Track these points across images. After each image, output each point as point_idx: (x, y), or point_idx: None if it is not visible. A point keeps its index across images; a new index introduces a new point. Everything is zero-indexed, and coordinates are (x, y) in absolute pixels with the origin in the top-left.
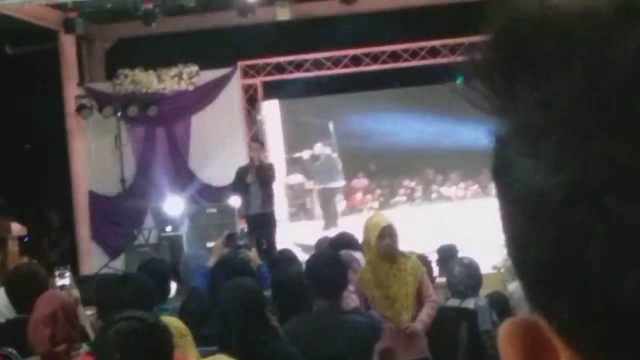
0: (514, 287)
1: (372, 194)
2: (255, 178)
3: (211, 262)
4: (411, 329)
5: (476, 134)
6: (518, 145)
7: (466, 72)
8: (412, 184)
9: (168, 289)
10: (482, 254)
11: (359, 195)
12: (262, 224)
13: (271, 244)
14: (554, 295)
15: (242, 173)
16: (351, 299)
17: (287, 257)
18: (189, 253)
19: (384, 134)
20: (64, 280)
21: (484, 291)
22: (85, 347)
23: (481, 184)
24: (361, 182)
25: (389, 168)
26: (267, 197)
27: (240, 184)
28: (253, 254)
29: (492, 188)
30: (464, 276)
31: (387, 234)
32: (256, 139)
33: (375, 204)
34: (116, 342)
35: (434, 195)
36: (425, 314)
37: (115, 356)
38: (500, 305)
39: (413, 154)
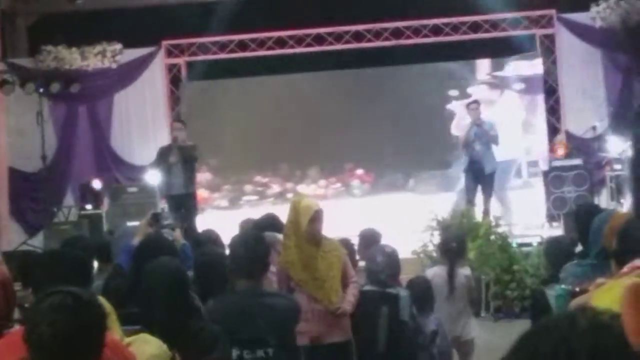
0: (432, 273)
1: (220, 191)
2: (177, 158)
3: (135, 241)
4: (342, 310)
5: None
6: None
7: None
8: (265, 180)
9: (91, 267)
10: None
11: (204, 193)
12: (183, 205)
13: (191, 225)
14: None
15: (164, 152)
16: (273, 281)
17: (210, 237)
18: (118, 231)
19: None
20: None
21: (404, 277)
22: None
23: (344, 181)
24: (204, 176)
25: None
26: (189, 178)
27: (162, 163)
28: (177, 234)
29: (356, 187)
30: (385, 265)
31: (318, 217)
32: (179, 119)
33: (224, 202)
34: (47, 315)
35: (289, 195)
36: (351, 295)
37: (45, 330)
38: (422, 290)
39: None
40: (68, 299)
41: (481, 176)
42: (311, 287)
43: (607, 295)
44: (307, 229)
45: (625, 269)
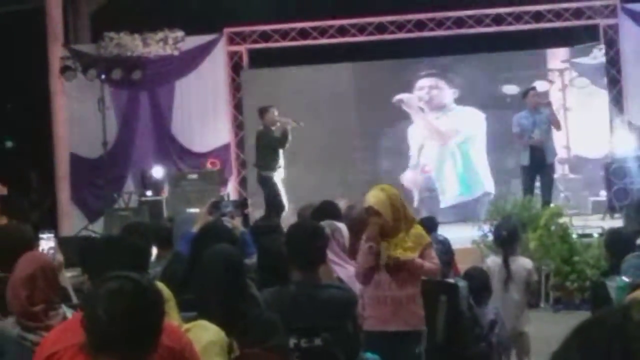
0: (489, 262)
1: None
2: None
3: (195, 228)
4: (396, 258)
5: None
6: None
7: None
8: None
9: (150, 253)
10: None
11: None
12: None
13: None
14: None
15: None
16: (333, 270)
17: (271, 225)
18: (179, 218)
19: None
20: (50, 243)
21: (462, 266)
22: (64, 308)
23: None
24: None
25: None
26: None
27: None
28: (236, 222)
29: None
30: (441, 252)
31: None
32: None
33: None
34: (104, 299)
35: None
36: (422, 261)
37: (102, 315)
38: (479, 280)
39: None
40: (127, 284)
41: (541, 166)
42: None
43: None
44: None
45: None
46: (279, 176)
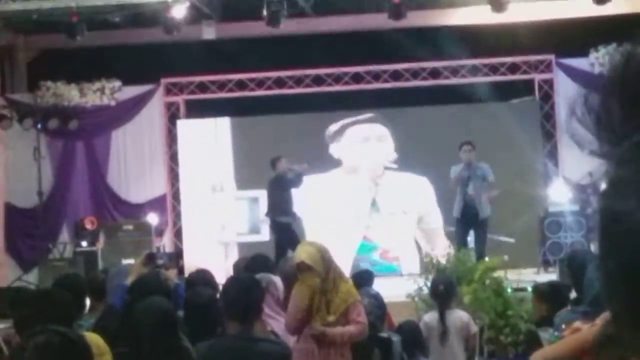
0: (428, 318)
1: None
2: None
3: (129, 280)
4: (321, 330)
5: None
6: None
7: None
8: None
9: (84, 305)
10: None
11: None
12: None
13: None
14: None
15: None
16: (267, 323)
17: (204, 278)
18: (114, 269)
19: None
20: None
21: (397, 319)
22: None
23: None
24: None
25: None
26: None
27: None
28: (171, 274)
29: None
30: (373, 306)
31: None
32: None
33: None
34: (32, 353)
35: None
36: (346, 329)
37: None
38: (412, 334)
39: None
40: (54, 338)
41: (475, 221)
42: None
43: None
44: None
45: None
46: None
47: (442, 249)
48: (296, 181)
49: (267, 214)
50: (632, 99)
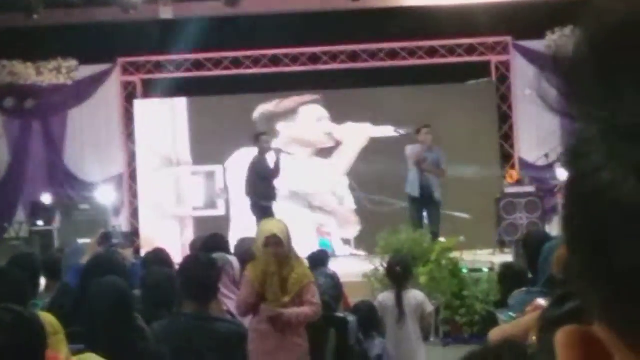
0: (382, 297)
1: None
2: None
3: (84, 259)
4: (277, 312)
5: None
6: (609, 149)
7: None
8: None
9: (38, 284)
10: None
11: None
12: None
13: None
14: None
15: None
16: (223, 303)
17: (161, 257)
18: (69, 248)
19: None
20: None
21: (353, 299)
22: None
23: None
24: None
25: None
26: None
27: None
28: (127, 253)
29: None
30: (329, 287)
31: (274, 242)
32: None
33: None
34: None
35: None
36: (301, 310)
37: None
38: (368, 314)
39: None
40: (7, 316)
41: (429, 200)
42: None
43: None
44: (263, 252)
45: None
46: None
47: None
48: (277, 172)
49: (249, 195)
50: (601, 60)
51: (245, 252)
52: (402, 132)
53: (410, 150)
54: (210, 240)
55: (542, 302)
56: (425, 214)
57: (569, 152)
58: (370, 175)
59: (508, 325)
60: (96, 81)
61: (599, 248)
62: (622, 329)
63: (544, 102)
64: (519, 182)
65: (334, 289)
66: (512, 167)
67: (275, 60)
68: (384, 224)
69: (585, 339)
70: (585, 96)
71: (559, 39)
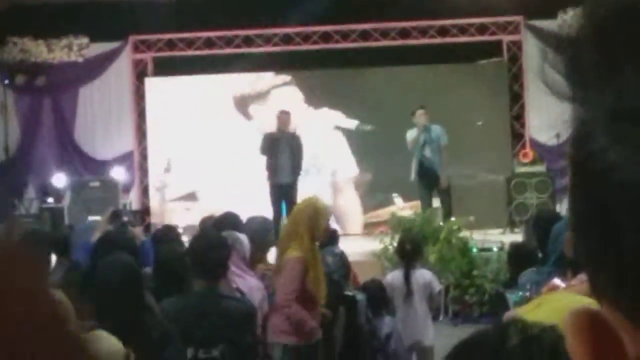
0: (391, 276)
1: None
2: (287, 147)
3: (94, 237)
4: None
5: None
6: (614, 131)
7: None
8: None
9: (48, 261)
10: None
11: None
12: (287, 194)
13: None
14: None
15: (272, 140)
16: (233, 281)
17: (171, 235)
18: (79, 226)
19: None
20: None
21: (363, 278)
22: None
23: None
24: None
25: None
26: (297, 166)
27: (269, 151)
28: (137, 231)
29: None
30: (337, 265)
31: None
32: (283, 110)
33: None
34: None
35: None
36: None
37: None
38: (377, 292)
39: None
40: None
41: (435, 182)
42: (315, 285)
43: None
44: (323, 230)
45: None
46: None
47: (350, 200)
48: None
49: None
50: (605, 43)
51: (256, 229)
52: (368, 127)
53: (409, 135)
54: (221, 218)
55: (558, 282)
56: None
57: (573, 135)
58: None
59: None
60: (107, 59)
61: (605, 231)
62: (630, 312)
63: (549, 87)
64: (534, 162)
65: (343, 268)
66: (524, 146)
67: (286, 39)
68: None
69: (594, 322)
70: (588, 79)
71: (570, 19)
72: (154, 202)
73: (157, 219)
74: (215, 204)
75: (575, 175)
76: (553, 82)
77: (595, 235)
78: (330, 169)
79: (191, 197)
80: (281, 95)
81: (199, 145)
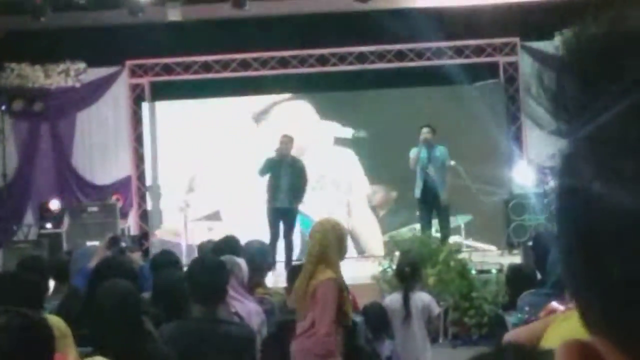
0: (389, 299)
1: None
2: (288, 171)
3: (92, 263)
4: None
5: None
6: (599, 161)
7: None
8: None
9: (47, 287)
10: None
11: None
12: (285, 218)
13: (290, 238)
14: None
15: (274, 164)
16: (231, 305)
17: (170, 259)
18: (78, 251)
19: None
20: None
21: (361, 301)
22: None
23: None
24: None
25: None
26: (298, 192)
27: (270, 174)
28: (136, 256)
29: None
30: None
31: None
32: (285, 134)
33: None
34: None
35: None
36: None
37: None
38: (377, 316)
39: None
40: (14, 319)
41: (436, 203)
42: (346, 306)
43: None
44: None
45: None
46: None
47: (362, 218)
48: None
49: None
50: (585, 77)
51: (254, 254)
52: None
53: (412, 152)
54: (220, 243)
55: (556, 305)
56: (435, 217)
57: (557, 166)
58: None
59: (522, 329)
60: (104, 84)
61: (594, 260)
62: (621, 341)
63: (534, 121)
64: (533, 183)
65: None
66: (522, 167)
67: (283, 62)
68: None
69: (585, 352)
70: (570, 110)
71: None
72: (175, 223)
73: (180, 239)
74: (237, 224)
75: (560, 206)
76: (538, 116)
77: (581, 265)
78: (343, 187)
79: (215, 216)
80: (283, 112)
81: (209, 166)
